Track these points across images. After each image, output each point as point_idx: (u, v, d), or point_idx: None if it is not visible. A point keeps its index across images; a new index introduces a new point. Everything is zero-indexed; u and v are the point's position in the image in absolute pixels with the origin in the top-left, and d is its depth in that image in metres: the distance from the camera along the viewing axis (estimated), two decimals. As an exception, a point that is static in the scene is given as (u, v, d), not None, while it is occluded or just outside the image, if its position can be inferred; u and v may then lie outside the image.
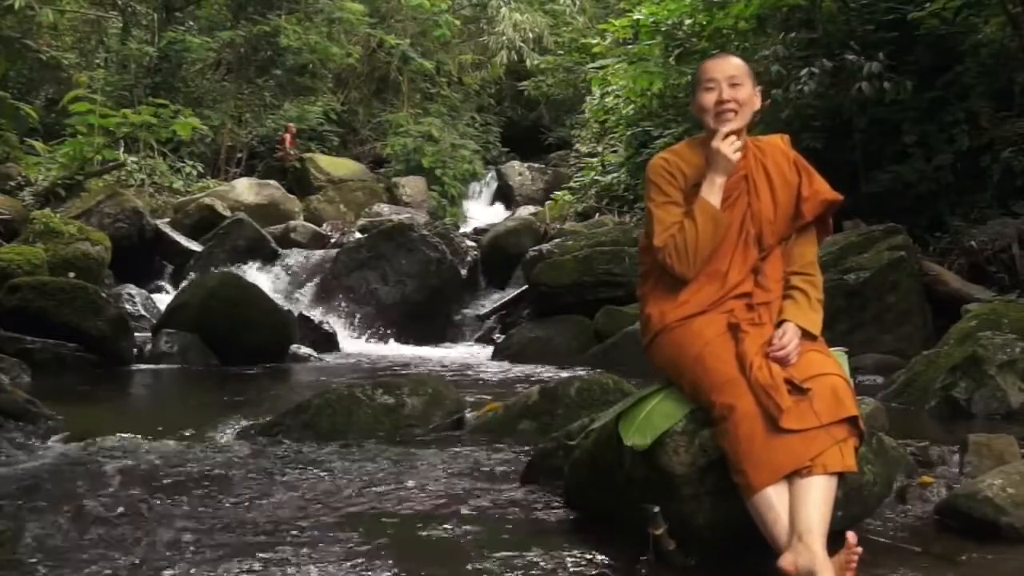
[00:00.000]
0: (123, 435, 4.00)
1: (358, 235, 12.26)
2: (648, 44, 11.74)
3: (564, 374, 6.32)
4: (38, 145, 14.00)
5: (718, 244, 2.62)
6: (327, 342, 8.58)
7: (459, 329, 10.08)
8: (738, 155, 2.63)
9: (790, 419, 2.33)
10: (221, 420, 4.45)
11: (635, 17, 12.18)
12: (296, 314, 8.68)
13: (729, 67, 2.70)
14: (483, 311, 10.19)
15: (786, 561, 2.20)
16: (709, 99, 2.69)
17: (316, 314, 9.34)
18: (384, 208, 16.54)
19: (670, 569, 2.41)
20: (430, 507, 2.99)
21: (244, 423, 4.38)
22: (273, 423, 4.23)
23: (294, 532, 2.70)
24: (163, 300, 8.94)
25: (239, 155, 18.95)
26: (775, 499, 2.30)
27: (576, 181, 15.41)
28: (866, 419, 2.60)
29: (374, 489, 3.21)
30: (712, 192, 2.63)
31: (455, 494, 3.15)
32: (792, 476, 2.31)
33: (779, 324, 2.56)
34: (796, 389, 2.38)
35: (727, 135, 2.63)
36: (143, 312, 8.72)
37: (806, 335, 2.54)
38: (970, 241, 7.84)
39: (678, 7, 11.08)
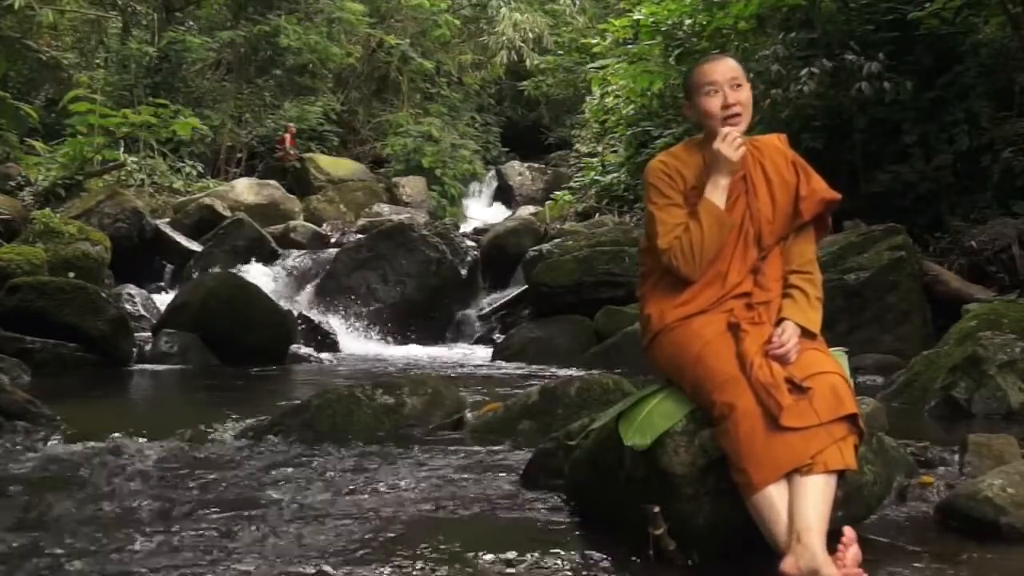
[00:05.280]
0: (123, 435, 4.00)
1: (358, 235, 12.25)
2: (648, 44, 11.73)
3: (564, 374, 6.32)
4: (38, 145, 14.01)
5: (722, 244, 2.62)
6: (327, 342, 8.58)
7: (459, 329, 10.07)
8: (741, 152, 2.63)
9: (790, 417, 2.34)
10: (221, 420, 4.45)
11: (635, 17, 12.17)
12: (296, 314, 8.68)
13: (728, 69, 2.69)
14: (483, 311, 10.19)
15: (787, 564, 2.20)
16: (714, 103, 2.67)
17: (316, 314, 9.33)
18: (384, 208, 16.54)
19: (670, 569, 2.41)
20: (430, 507, 2.99)
21: (244, 423, 4.38)
22: (273, 423, 4.22)
23: (294, 532, 2.70)
24: (163, 300, 8.93)
25: (239, 155, 18.96)
26: (776, 498, 2.30)
27: (576, 181, 15.40)
28: (866, 419, 2.61)
29: (374, 489, 3.21)
30: (716, 193, 2.63)
31: (455, 494, 3.15)
32: (792, 475, 2.31)
33: (778, 323, 2.56)
34: (796, 388, 2.39)
35: (727, 134, 2.63)
36: (143, 312, 8.71)
37: (805, 333, 2.55)
38: (970, 241, 7.84)
39: (678, 7, 11.07)
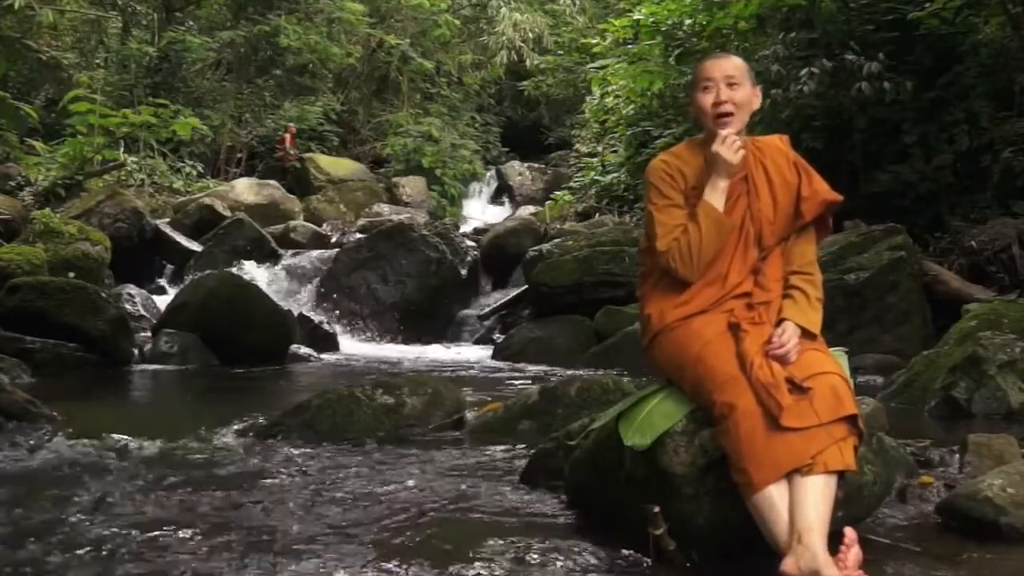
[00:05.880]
0: (123, 435, 4.00)
1: (358, 235, 12.26)
2: (648, 44, 11.74)
3: (564, 374, 6.32)
4: (38, 145, 14.01)
5: (721, 246, 2.62)
6: (327, 342, 8.58)
7: (459, 329, 10.07)
8: (740, 155, 2.62)
9: (790, 417, 2.34)
10: (221, 420, 4.45)
11: (635, 17, 12.17)
12: (296, 314, 8.68)
13: (727, 67, 2.69)
14: (483, 311, 10.19)
15: (788, 565, 2.20)
16: (707, 100, 2.68)
17: (316, 314, 9.34)
18: (384, 208, 16.55)
19: (670, 569, 2.41)
20: (430, 507, 2.99)
21: (244, 423, 4.38)
22: (273, 423, 4.23)
23: (293, 532, 2.70)
24: (163, 300, 8.93)
25: (239, 155, 18.96)
26: (776, 498, 2.30)
27: (576, 181, 15.41)
28: (866, 419, 2.61)
29: (374, 489, 3.21)
30: (715, 195, 2.62)
31: (455, 494, 3.15)
32: (792, 475, 2.31)
33: (779, 323, 2.56)
34: (796, 388, 2.39)
35: (726, 137, 2.62)
36: (143, 312, 8.71)
37: (805, 334, 2.55)
38: (970, 241, 7.84)
39: (678, 7, 11.08)
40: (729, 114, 2.65)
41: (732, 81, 2.67)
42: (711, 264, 2.63)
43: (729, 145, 2.61)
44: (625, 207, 13.14)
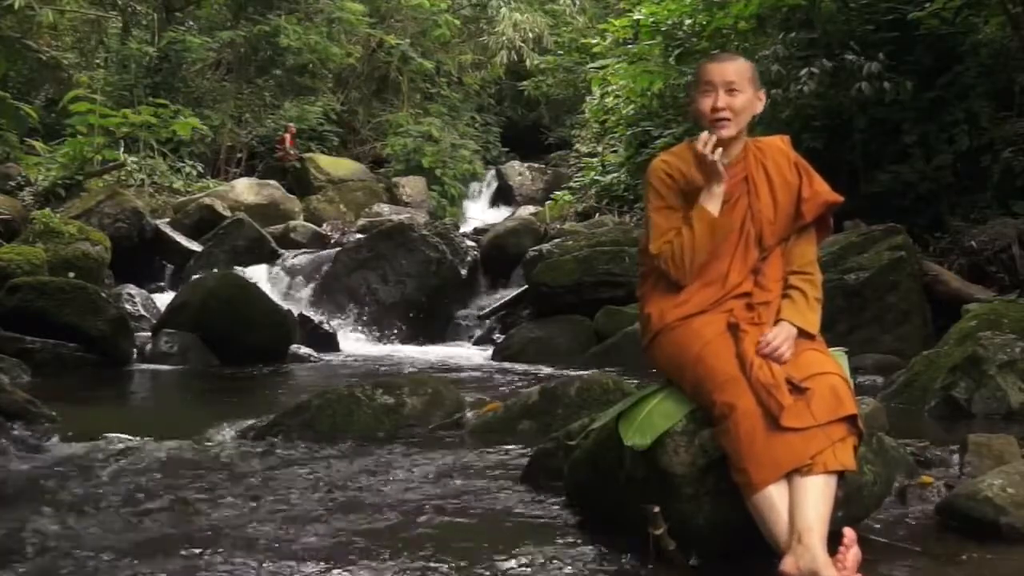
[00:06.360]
0: (123, 435, 4.00)
1: (358, 235, 12.26)
2: (648, 44, 11.73)
3: (564, 374, 6.32)
4: (38, 145, 14.02)
5: (718, 246, 2.62)
6: (327, 342, 8.57)
7: (459, 329, 10.06)
8: (720, 153, 2.58)
9: (790, 417, 2.34)
10: (221, 420, 4.45)
11: (635, 17, 12.17)
12: (296, 314, 8.67)
13: (729, 71, 2.67)
14: (483, 311, 10.18)
15: (787, 564, 2.20)
16: (705, 104, 2.67)
17: (316, 314, 9.33)
18: (384, 208, 16.55)
19: (670, 569, 2.41)
20: (430, 507, 2.99)
21: (244, 423, 4.38)
22: (273, 423, 4.23)
23: (292, 533, 2.70)
24: (163, 300, 8.93)
25: (239, 155, 18.96)
26: (776, 498, 2.30)
27: (576, 181, 15.40)
28: (866, 419, 2.61)
29: (373, 489, 3.21)
30: (710, 200, 2.61)
31: (455, 494, 3.15)
32: (792, 475, 2.31)
33: (776, 324, 2.56)
34: (796, 388, 2.39)
35: (706, 142, 2.59)
36: (143, 312, 8.71)
37: (803, 334, 2.54)
38: (970, 241, 7.83)
39: (678, 7, 11.07)
40: (726, 119, 2.64)
41: (732, 87, 2.64)
42: (711, 264, 2.62)
43: (703, 144, 2.59)
44: (625, 207, 13.13)
